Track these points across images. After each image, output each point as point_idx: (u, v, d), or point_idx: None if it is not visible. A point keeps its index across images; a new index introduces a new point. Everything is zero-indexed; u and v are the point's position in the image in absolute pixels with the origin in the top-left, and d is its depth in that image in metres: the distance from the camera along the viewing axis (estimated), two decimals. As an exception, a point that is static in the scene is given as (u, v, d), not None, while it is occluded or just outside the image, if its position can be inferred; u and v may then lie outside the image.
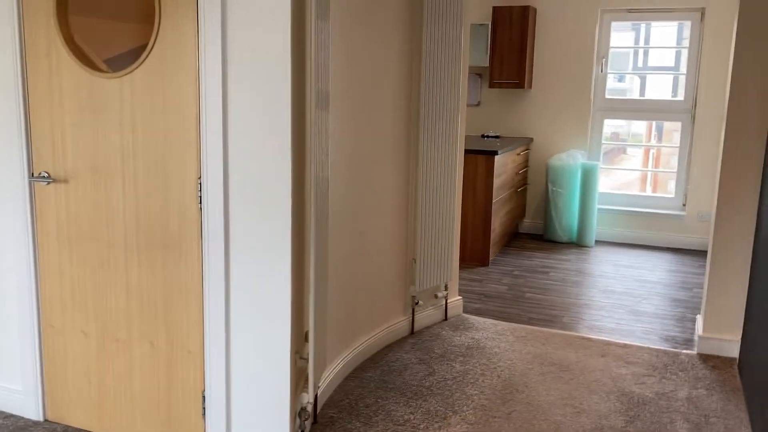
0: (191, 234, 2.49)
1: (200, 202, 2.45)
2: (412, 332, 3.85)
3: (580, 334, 3.91)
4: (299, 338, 2.62)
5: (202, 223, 2.46)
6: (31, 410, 2.85)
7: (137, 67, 2.46)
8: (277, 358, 2.47)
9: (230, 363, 2.53)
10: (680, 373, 3.40)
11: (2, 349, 2.89)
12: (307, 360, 2.63)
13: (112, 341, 2.69)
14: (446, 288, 4.04)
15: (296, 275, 2.50)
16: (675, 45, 6.28)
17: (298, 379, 2.64)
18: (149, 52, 2.44)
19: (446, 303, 4.07)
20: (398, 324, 3.76)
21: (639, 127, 6.62)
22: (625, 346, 3.73)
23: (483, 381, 3.25)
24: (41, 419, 2.84)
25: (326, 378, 3.04)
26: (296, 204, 2.44)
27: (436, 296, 4.00)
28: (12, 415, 2.87)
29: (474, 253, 5.32)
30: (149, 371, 2.65)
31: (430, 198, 3.82)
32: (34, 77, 2.63)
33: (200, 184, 2.44)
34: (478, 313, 4.24)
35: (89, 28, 2.59)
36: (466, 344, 3.70)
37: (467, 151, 5.18)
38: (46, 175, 2.66)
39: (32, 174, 2.70)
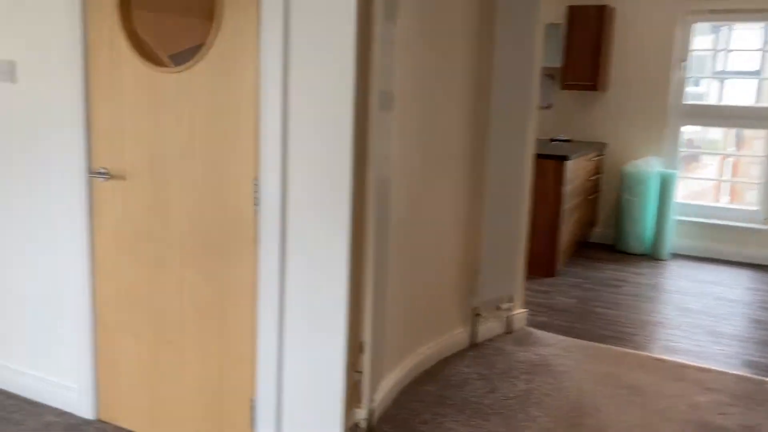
0: (246, 236, 2.39)
1: (256, 204, 2.35)
2: (472, 345, 3.67)
3: (654, 355, 3.65)
4: (354, 349, 2.49)
5: (257, 226, 2.36)
6: (84, 409, 2.81)
7: (196, 63, 2.38)
8: (331, 371, 2.35)
9: (282, 372, 2.42)
10: (767, 404, 3.12)
11: (59, 346, 2.87)
12: (361, 373, 2.50)
13: (164, 343, 2.62)
14: (510, 299, 3.85)
15: (354, 282, 2.37)
16: (761, 47, 5.88)
17: (352, 393, 2.51)
18: (209, 48, 2.35)
19: (510, 315, 3.88)
20: (458, 336, 3.59)
21: (715, 133, 6.23)
22: (703, 370, 3.46)
23: (548, 402, 3.05)
24: (93, 418, 2.81)
25: (381, 390, 2.90)
26: (356, 208, 2.31)
27: (498, 308, 3.82)
28: (65, 413, 2.84)
29: (540, 263, 5.10)
30: (200, 376, 2.57)
31: (497, 204, 3.64)
32: (96, 71, 2.58)
33: (256, 184, 2.34)
34: (544, 327, 4.03)
35: (157, 23, 2.53)
36: (531, 360, 3.50)
37: (536, 156, 4.96)
38: (104, 171, 2.62)
39: (91, 170, 2.66)
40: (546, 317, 4.22)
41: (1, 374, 3.02)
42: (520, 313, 3.95)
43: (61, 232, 2.77)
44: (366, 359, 2.55)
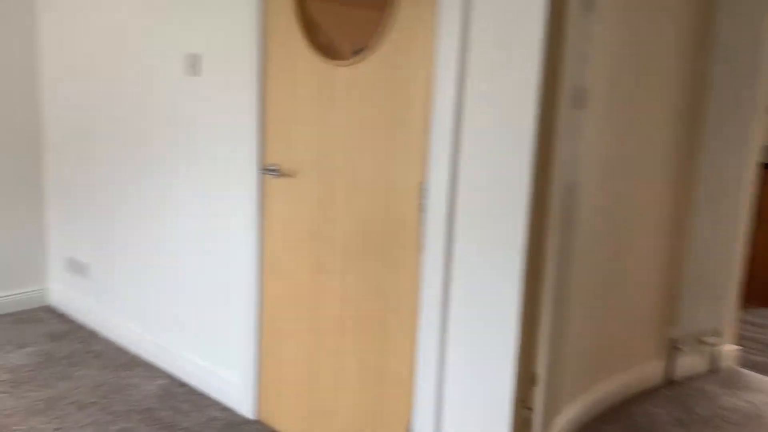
0: (410, 245, 2.18)
1: (422, 211, 2.13)
2: (667, 382, 3.18)
3: None
4: (525, 381, 2.18)
5: (422, 235, 2.14)
6: (245, 407, 2.79)
7: (367, 57, 2.21)
8: (497, 405, 2.07)
9: (442, 402, 2.18)
10: None
11: (227, 340, 2.87)
12: (532, 410, 2.19)
13: (324, 351, 2.50)
14: (717, 332, 3.29)
15: (528, 304, 2.07)
16: None
17: (522, 431, 2.21)
18: (382, 41, 2.17)
19: (716, 350, 3.32)
20: (650, 370, 3.13)
21: None
22: None
23: (763, 465, 2.53)
24: (253, 418, 2.77)
25: (555, 427, 2.56)
26: (535, 219, 2.01)
27: (702, 341, 3.28)
28: (228, 409, 2.84)
29: (758, 291, 4.37)
30: (358, 390, 2.41)
31: (707, 218, 3.11)
32: (271, 64, 2.52)
33: (423, 189, 2.12)
34: (759, 368, 3.40)
35: (346, 17, 2.41)
36: (740, 408, 2.94)
37: (761, 165, 4.25)
38: (275, 167, 2.55)
39: (262, 166, 2.61)
40: (763, 356, 3.57)
41: (177, 362, 3.11)
42: (729, 348, 3.37)
43: (233, 227, 2.76)
44: (539, 393, 2.24)
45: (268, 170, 2.56)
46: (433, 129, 2.05)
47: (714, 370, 3.32)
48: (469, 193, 2.03)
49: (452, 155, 2.02)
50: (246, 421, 2.74)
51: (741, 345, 3.64)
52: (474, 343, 2.09)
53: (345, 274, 2.38)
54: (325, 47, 2.38)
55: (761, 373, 3.33)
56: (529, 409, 2.18)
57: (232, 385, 2.85)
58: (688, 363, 3.25)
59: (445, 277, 2.10)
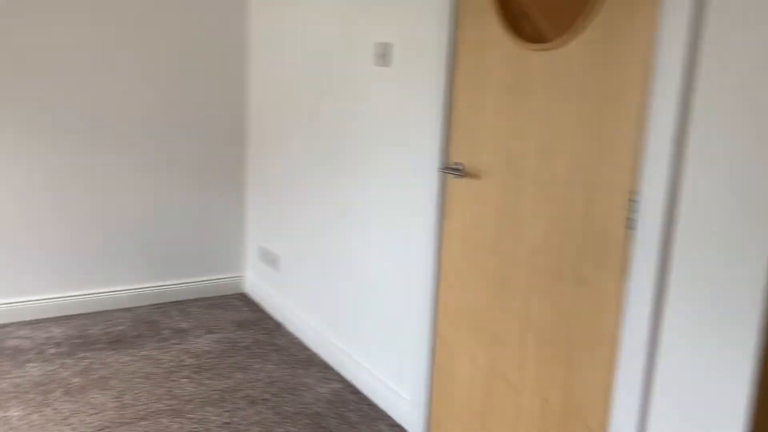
0: (611, 268, 1.78)
1: (630, 227, 1.72)
2: None
3: None
4: (758, 455, 1.69)
5: (627, 256, 1.73)
6: (415, 426, 2.55)
7: (570, 40, 1.84)
8: (715, 482, 1.60)
9: (641, 462, 1.76)
10: None
11: (400, 352, 2.66)
12: (765, 495, 1.68)
13: (500, 380, 2.18)
14: None
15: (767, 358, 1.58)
16: None
17: None
18: (588, 20, 1.79)
19: None
20: None
21: None
22: None
23: None
24: (422, 440, 2.53)
25: None
26: (785, 252, 1.51)
27: None
28: (397, 425, 2.62)
29: None
30: None
31: None
32: (462, 51, 2.24)
33: (633, 201, 1.71)
34: None
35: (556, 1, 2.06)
36: None
37: None
38: (458, 167, 2.27)
39: (445, 164, 2.34)
40: None
41: (353, 367, 2.97)
42: None
43: (412, 230, 2.54)
44: (775, 471, 1.72)
45: (451, 169, 2.28)
46: (649, 126, 1.64)
47: None
48: (694, 209, 1.59)
49: (674, 159, 1.60)
50: (414, 443, 2.51)
51: None
52: (688, 398, 1.64)
53: (529, 293, 2.04)
54: (528, 32, 2.04)
55: None
56: (762, 493, 1.68)
57: (403, 400, 2.63)
58: None
59: (656, 312, 1.68)
